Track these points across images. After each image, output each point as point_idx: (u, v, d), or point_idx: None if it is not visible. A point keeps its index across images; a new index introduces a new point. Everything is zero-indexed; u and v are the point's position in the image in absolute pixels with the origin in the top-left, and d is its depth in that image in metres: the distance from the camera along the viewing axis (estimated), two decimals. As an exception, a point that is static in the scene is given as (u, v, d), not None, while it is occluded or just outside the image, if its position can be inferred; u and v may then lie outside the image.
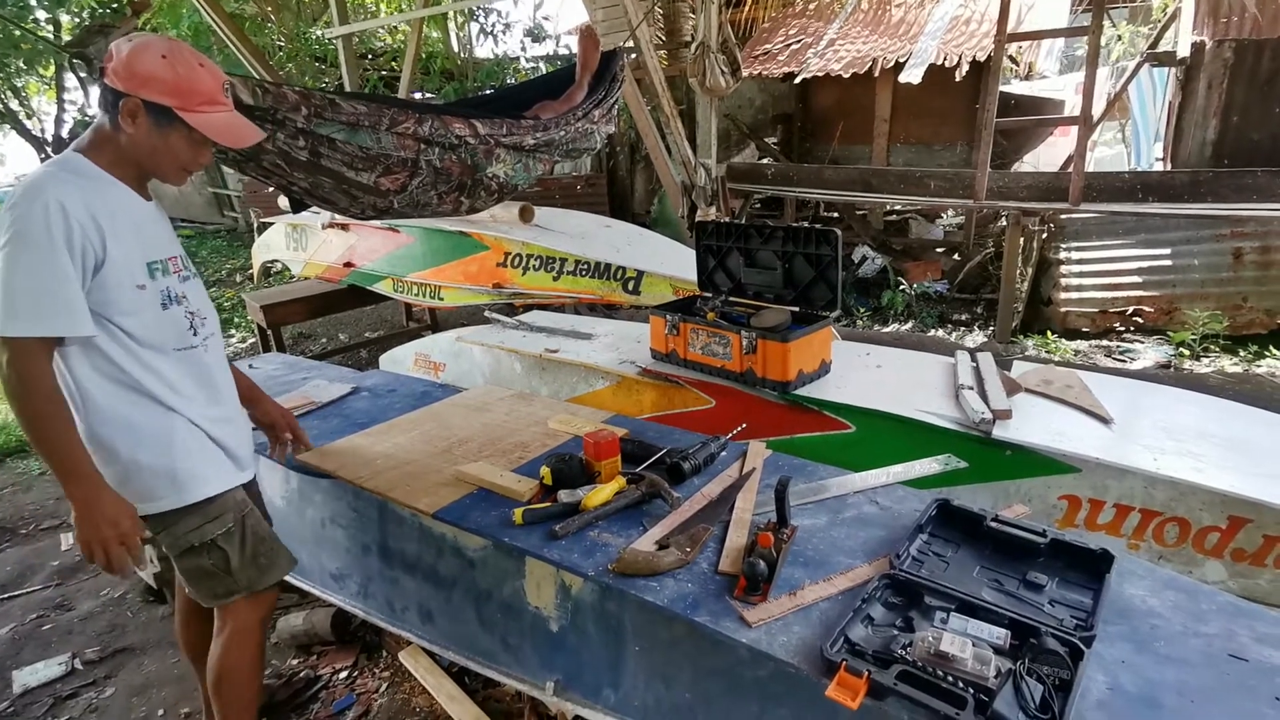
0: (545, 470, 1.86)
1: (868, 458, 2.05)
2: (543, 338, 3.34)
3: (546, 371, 3.14)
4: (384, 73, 10.26)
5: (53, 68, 13.02)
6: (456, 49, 10.89)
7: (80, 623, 2.77)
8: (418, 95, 9.19)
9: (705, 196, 5.46)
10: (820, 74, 8.41)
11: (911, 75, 7.50)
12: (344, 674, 2.40)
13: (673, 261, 3.98)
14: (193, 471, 1.64)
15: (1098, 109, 5.46)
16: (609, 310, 5.01)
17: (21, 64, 11.74)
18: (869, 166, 8.19)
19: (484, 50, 11.32)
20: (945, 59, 7.63)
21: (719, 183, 5.59)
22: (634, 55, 5.18)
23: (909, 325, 6.29)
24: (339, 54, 6.95)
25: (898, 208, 8.76)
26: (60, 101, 14.29)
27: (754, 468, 1.92)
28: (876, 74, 8.09)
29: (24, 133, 14.27)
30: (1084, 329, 5.65)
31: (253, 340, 6.16)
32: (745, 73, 6.33)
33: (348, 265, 5.05)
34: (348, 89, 6.76)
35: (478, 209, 2.98)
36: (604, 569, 1.53)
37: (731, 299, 2.93)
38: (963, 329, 6.13)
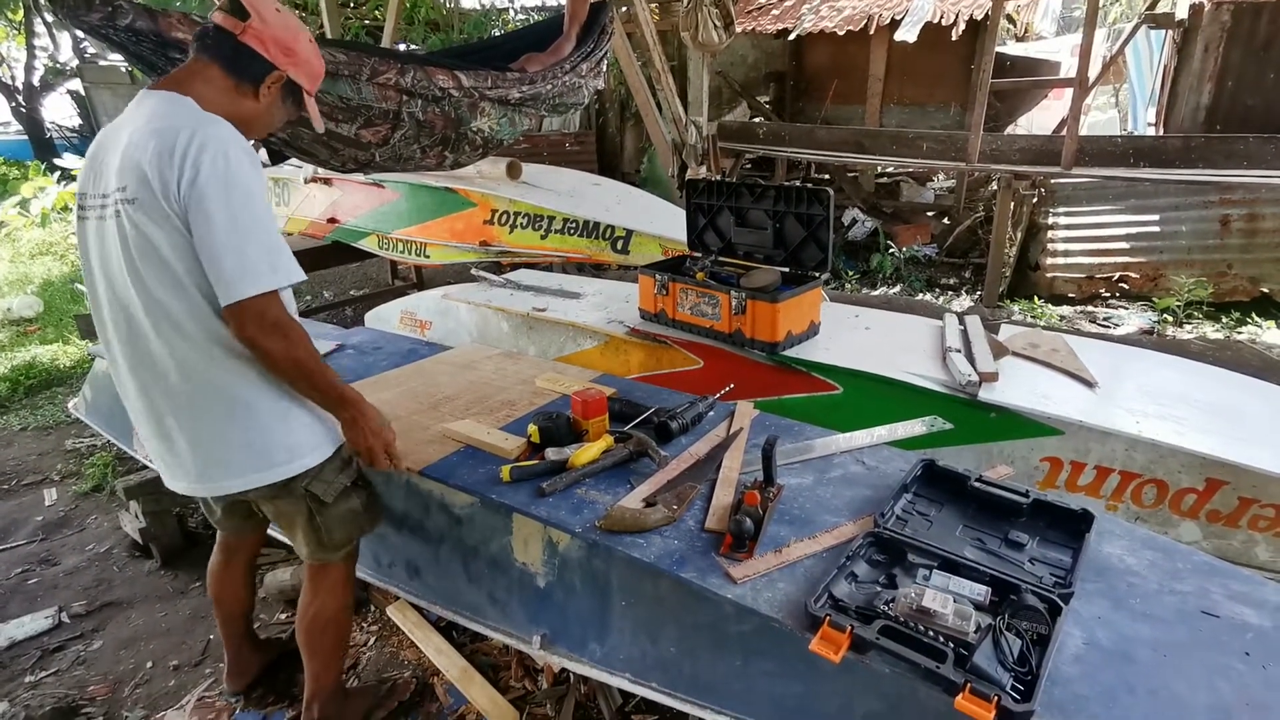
0: (533, 428, 1.86)
1: (854, 419, 2.06)
2: (530, 296, 3.31)
3: (534, 330, 3.12)
4: (367, 22, 9.93)
5: (21, 12, 12.52)
6: (442, -2, 10.55)
7: (66, 577, 2.77)
8: (401, 46, 8.93)
9: (696, 155, 5.40)
10: (814, 31, 8.26)
11: (907, 34, 7.38)
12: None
13: (662, 221, 3.94)
14: (327, 422, 1.68)
15: (1094, 71, 5.39)
16: (597, 269, 4.97)
17: (-12, 7, 11.27)
18: (862, 127, 8.09)
19: (471, 0, 10.97)
20: (941, 17, 7.50)
21: (710, 141, 5.51)
22: (624, 8, 5.05)
23: (898, 289, 6.29)
24: (319, 1, 6.71)
25: (889, 170, 8.69)
26: (30, 47, 13.80)
27: (741, 428, 1.92)
28: (872, 32, 7.96)
29: (-7, 80, 13.79)
30: (1070, 294, 5.67)
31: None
32: (738, 28, 6.20)
33: (331, 221, 4.95)
34: (329, 38, 6.56)
35: (462, 164, 2.93)
36: (591, 526, 1.54)
37: (721, 259, 2.91)
38: (950, 293, 6.14)
